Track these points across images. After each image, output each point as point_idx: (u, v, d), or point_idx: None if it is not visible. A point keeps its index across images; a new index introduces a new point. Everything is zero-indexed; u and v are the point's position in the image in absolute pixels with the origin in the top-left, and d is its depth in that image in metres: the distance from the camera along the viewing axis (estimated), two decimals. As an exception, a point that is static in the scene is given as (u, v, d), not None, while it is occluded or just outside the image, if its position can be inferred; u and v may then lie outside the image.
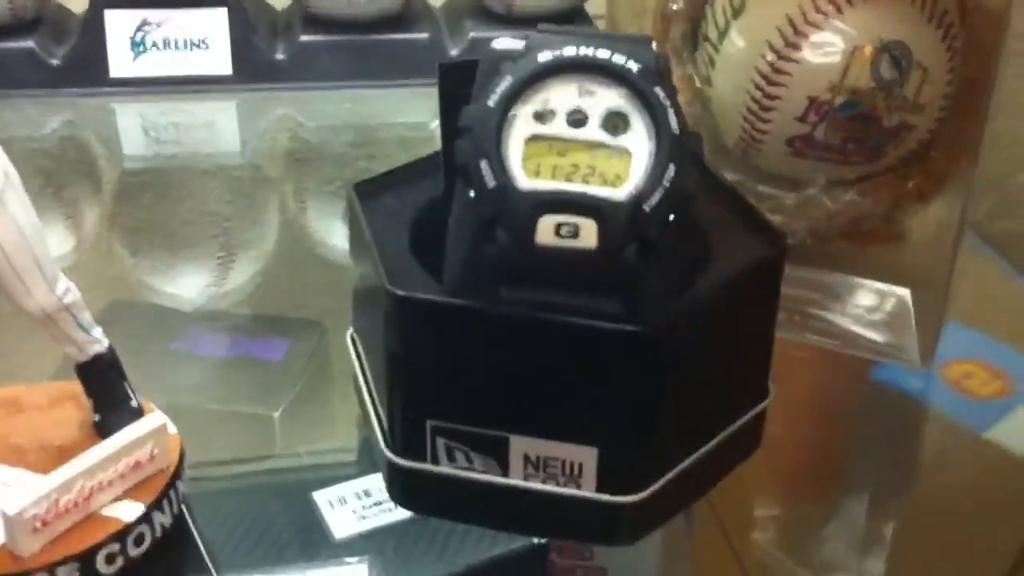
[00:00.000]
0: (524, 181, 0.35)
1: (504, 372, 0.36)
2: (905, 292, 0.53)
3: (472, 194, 0.35)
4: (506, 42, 0.38)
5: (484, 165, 0.35)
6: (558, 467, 0.37)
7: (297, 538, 0.43)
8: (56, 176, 0.72)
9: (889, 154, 0.51)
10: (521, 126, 0.36)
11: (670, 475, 0.38)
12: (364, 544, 0.43)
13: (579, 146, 0.36)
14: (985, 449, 0.54)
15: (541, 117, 0.36)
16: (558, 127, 0.36)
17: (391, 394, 0.38)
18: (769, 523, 0.50)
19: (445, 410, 0.37)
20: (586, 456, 0.37)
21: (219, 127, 0.80)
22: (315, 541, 0.43)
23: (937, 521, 0.50)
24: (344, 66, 0.77)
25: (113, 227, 0.70)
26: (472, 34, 0.78)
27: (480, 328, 0.36)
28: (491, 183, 0.35)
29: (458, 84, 0.39)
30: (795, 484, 0.52)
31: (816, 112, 0.49)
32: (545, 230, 0.35)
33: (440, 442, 0.38)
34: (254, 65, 0.77)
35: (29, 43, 0.76)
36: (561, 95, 0.36)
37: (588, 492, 0.37)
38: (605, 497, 0.37)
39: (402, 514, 0.43)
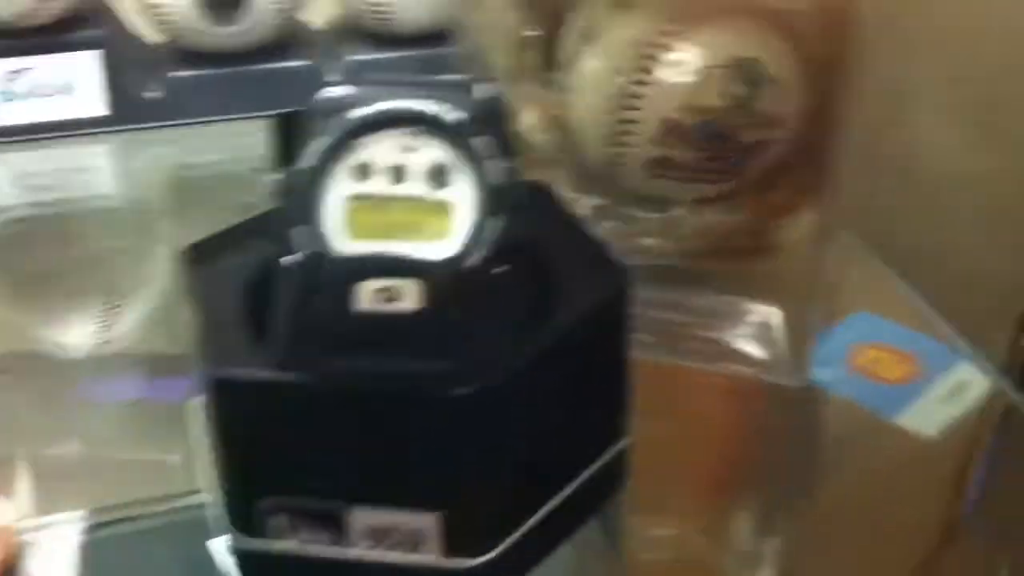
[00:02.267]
0: (343, 244, 0.34)
1: (336, 444, 0.35)
2: (775, 309, 0.52)
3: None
4: (335, 91, 0.37)
5: (299, 231, 0.34)
6: (400, 536, 0.36)
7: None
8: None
9: (751, 169, 0.50)
10: (340, 186, 0.35)
11: (519, 532, 0.37)
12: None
13: (401, 202, 0.35)
14: (895, 434, 0.54)
15: (361, 174, 0.35)
16: (379, 184, 0.35)
17: (224, 471, 0.37)
18: (692, 530, 0.49)
19: (280, 485, 0.36)
20: (427, 523, 0.36)
21: (97, 170, 0.78)
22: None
23: (852, 511, 0.49)
24: (220, 100, 0.75)
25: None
26: (352, 57, 0.76)
27: (305, 402, 0.35)
28: (306, 249, 0.34)
29: (294, 133, 0.38)
30: (713, 489, 0.52)
31: (672, 133, 0.48)
32: (365, 295, 0.34)
33: (278, 518, 0.37)
34: (127, 106, 0.75)
35: None
36: (381, 150, 0.35)
37: (432, 559, 0.36)
38: (448, 563, 0.36)
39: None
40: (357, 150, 0.35)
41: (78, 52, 0.73)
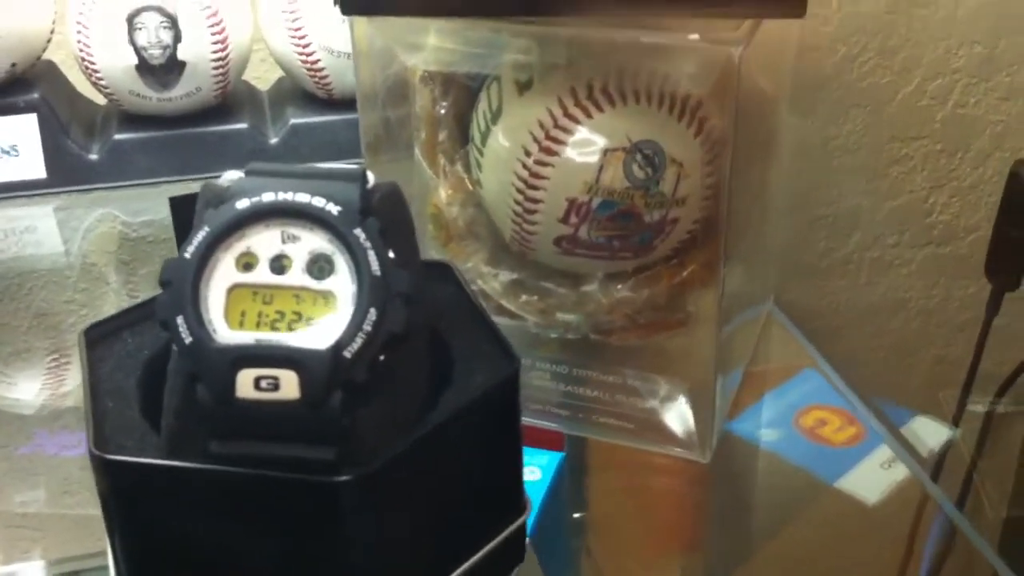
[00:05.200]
0: (226, 334, 0.35)
1: (221, 528, 0.36)
2: (684, 384, 0.53)
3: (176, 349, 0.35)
4: (233, 175, 0.38)
5: (180, 320, 0.35)
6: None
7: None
8: None
9: (659, 247, 0.51)
10: (223, 276, 0.35)
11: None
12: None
13: (284, 292, 0.35)
14: (837, 499, 0.54)
15: (244, 265, 0.36)
16: (261, 274, 0.36)
17: (115, 550, 0.38)
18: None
19: (169, 566, 0.37)
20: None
21: (40, 231, 0.79)
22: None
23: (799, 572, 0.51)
24: (162, 162, 0.76)
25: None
26: (293, 121, 0.78)
27: (189, 487, 0.35)
28: (187, 339, 0.34)
29: (191, 217, 0.39)
30: (664, 543, 0.53)
31: (576, 213, 0.49)
32: (245, 384, 0.34)
33: None
34: (68, 168, 0.76)
35: None
36: (263, 241, 0.36)
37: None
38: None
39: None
40: (241, 241, 0.36)
41: (16, 116, 0.75)
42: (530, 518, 0.48)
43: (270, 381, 0.34)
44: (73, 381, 0.65)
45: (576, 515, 0.54)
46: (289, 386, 0.34)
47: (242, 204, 0.36)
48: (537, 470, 0.51)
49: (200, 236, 0.36)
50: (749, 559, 0.53)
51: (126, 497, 0.36)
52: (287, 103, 0.79)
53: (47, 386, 0.65)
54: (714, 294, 0.50)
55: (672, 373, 0.53)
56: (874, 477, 0.55)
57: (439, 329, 0.42)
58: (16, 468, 0.57)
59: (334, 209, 0.36)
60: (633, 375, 0.53)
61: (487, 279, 0.53)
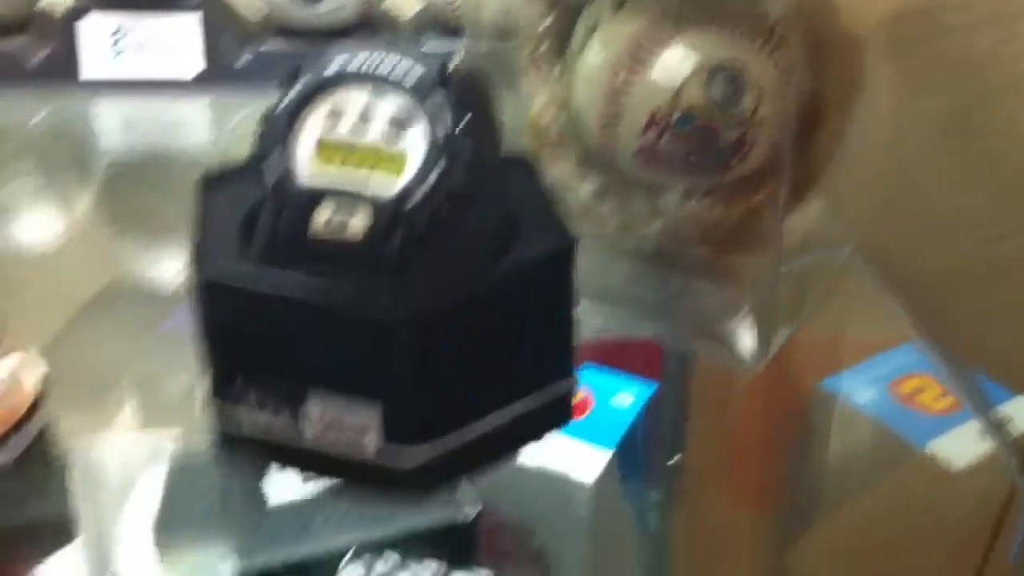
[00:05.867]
0: (306, 178, 0.40)
1: (292, 342, 0.40)
2: (743, 299, 0.55)
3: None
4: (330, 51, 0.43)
5: (268, 163, 0.40)
6: (346, 423, 0.41)
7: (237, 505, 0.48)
8: (42, 168, 0.78)
9: (735, 167, 0.53)
10: (311, 128, 0.40)
11: (456, 437, 0.42)
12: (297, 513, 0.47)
13: (363, 147, 0.40)
14: (921, 461, 0.55)
15: (331, 120, 0.41)
16: (345, 130, 0.40)
17: (207, 353, 0.42)
18: (721, 533, 0.52)
19: (250, 367, 0.41)
20: (370, 414, 0.40)
21: (192, 125, 0.85)
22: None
23: (877, 535, 0.51)
24: (304, 71, 0.81)
25: (98, 216, 0.76)
26: (425, 48, 0.82)
27: (269, 306, 0.40)
28: (272, 179, 0.40)
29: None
30: (746, 495, 0.55)
31: (656, 126, 0.52)
32: (318, 222, 0.39)
33: (251, 393, 0.42)
34: (222, 69, 0.82)
35: (11, 46, 0.82)
36: (351, 100, 0.41)
37: (373, 447, 0.41)
38: (388, 456, 0.41)
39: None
40: (330, 98, 0.41)
41: (181, 13, 0.81)
42: (615, 442, 0.51)
43: (340, 221, 0.39)
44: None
45: (662, 448, 0.56)
46: (355, 228, 0.39)
47: (334, 68, 0.41)
48: (630, 396, 0.54)
49: (294, 92, 0.41)
50: (826, 516, 0.55)
51: (216, 309, 0.41)
52: (424, 31, 0.84)
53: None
54: (777, 218, 0.53)
55: (737, 289, 0.56)
56: (963, 445, 0.56)
57: (508, 208, 0.45)
58: (158, 345, 0.60)
59: (414, 77, 0.40)
60: (700, 284, 0.56)
61: (573, 185, 0.56)
